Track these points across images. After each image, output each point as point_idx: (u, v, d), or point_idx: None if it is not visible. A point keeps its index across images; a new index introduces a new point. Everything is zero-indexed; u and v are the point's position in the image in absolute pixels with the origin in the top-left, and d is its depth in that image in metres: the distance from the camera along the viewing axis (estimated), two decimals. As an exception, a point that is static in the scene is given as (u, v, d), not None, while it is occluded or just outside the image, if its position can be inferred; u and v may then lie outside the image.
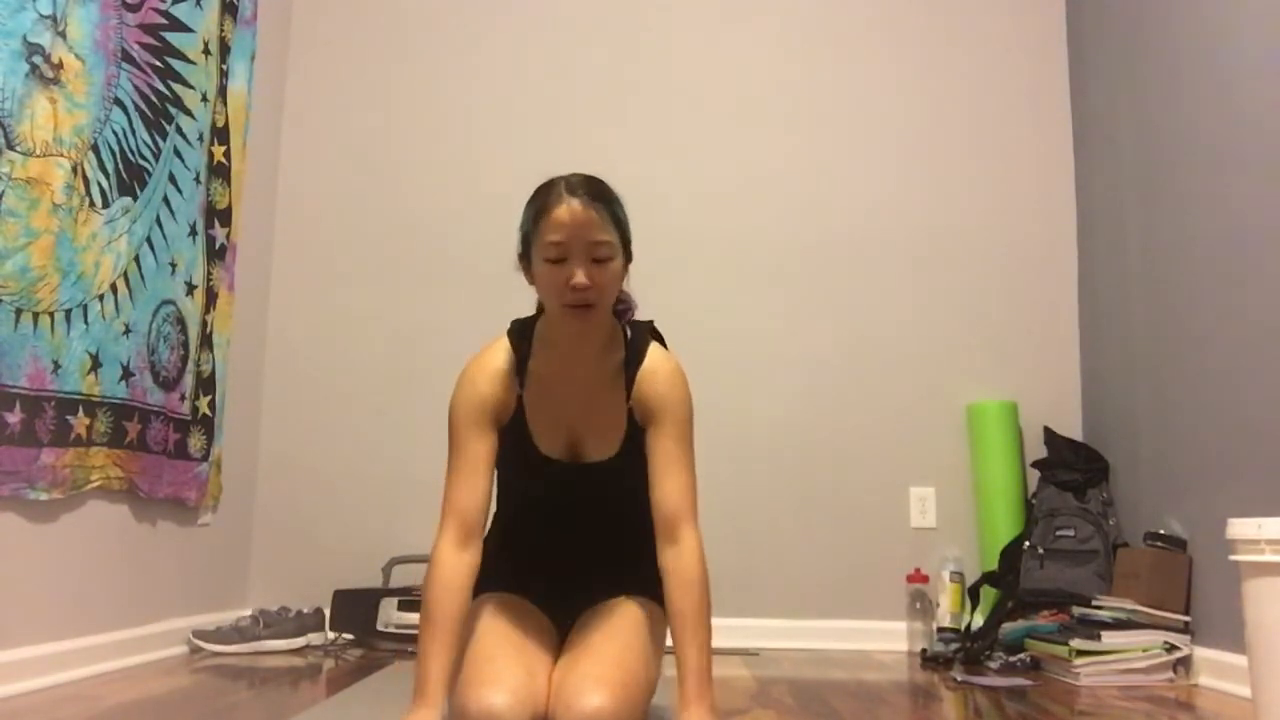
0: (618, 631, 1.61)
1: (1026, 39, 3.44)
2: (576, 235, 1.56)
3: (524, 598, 1.76)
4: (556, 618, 1.76)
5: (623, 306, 1.76)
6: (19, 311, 2.05)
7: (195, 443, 2.79)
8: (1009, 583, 2.89)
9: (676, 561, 1.59)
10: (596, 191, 1.61)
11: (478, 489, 1.63)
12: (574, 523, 1.78)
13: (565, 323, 1.63)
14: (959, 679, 2.49)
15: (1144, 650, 2.46)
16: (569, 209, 1.57)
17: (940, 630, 3.00)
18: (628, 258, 1.67)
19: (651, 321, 1.81)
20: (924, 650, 2.92)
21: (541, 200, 1.61)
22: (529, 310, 1.81)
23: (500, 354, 1.70)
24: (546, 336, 1.70)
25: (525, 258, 1.66)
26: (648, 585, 1.75)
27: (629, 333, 1.74)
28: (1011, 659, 2.65)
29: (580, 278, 1.56)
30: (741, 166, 3.42)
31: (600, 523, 1.78)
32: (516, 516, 1.83)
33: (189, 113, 2.73)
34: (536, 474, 1.71)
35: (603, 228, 1.58)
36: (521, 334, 1.72)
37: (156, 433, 2.58)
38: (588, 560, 1.79)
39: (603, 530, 1.78)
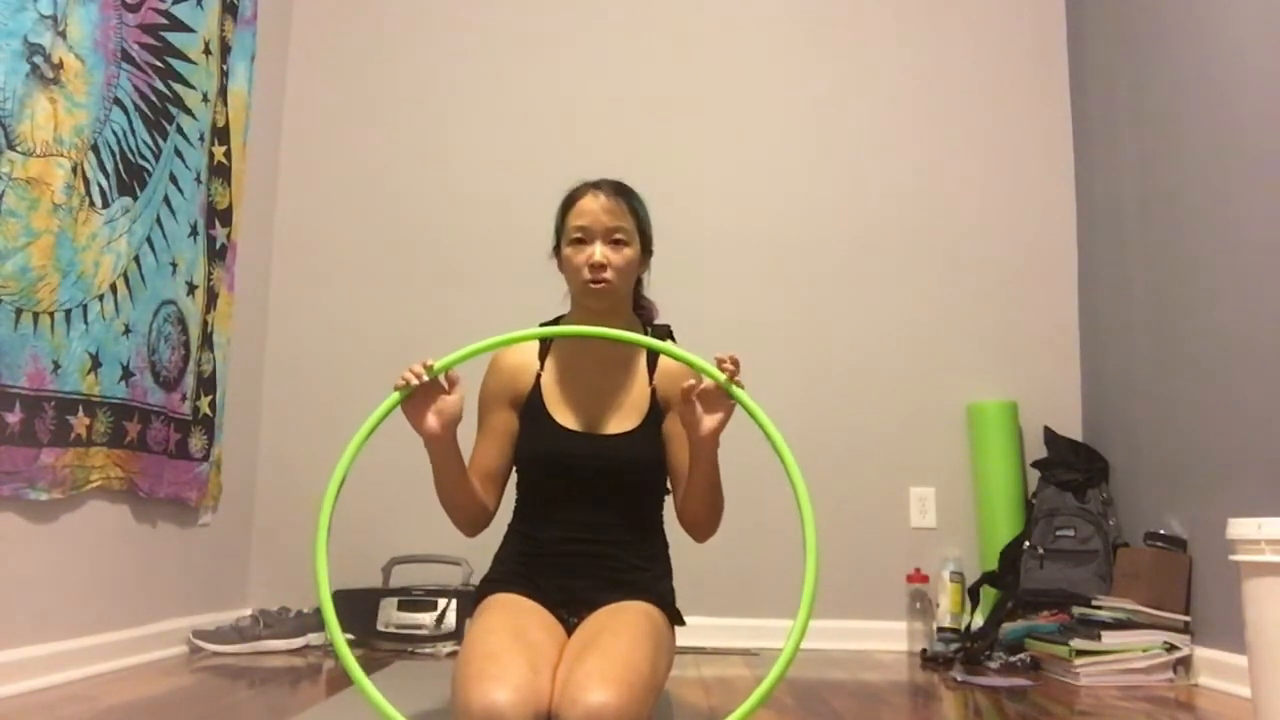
0: (624, 630, 1.62)
1: (1026, 39, 3.44)
2: (598, 220, 1.79)
3: (533, 598, 1.76)
4: (564, 618, 1.77)
5: (644, 310, 1.95)
6: (19, 311, 2.05)
7: (196, 443, 2.79)
8: (1009, 583, 2.89)
9: None
10: (619, 188, 1.85)
11: (491, 451, 1.86)
12: (588, 498, 1.81)
13: (586, 299, 1.82)
14: (959, 679, 2.49)
15: (1144, 650, 2.46)
16: (593, 199, 1.81)
17: (940, 630, 3.00)
18: (647, 253, 1.88)
19: (669, 325, 1.96)
20: (924, 650, 2.92)
21: (571, 194, 1.86)
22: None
23: (524, 343, 1.88)
24: (570, 324, 1.87)
25: (558, 249, 1.87)
26: (656, 588, 1.82)
27: (649, 331, 1.92)
28: (1011, 659, 2.65)
29: (598, 256, 1.77)
30: (740, 168, 3.42)
31: (613, 500, 1.81)
32: (532, 503, 1.87)
33: (190, 113, 2.73)
34: (553, 444, 1.82)
35: (621, 216, 1.81)
36: (548, 324, 1.90)
37: (157, 433, 2.58)
38: (599, 552, 1.80)
39: (616, 511, 1.81)
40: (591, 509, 1.81)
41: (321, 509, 1.52)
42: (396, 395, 1.60)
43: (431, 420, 1.64)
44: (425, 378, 1.60)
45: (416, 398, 1.62)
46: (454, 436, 1.68)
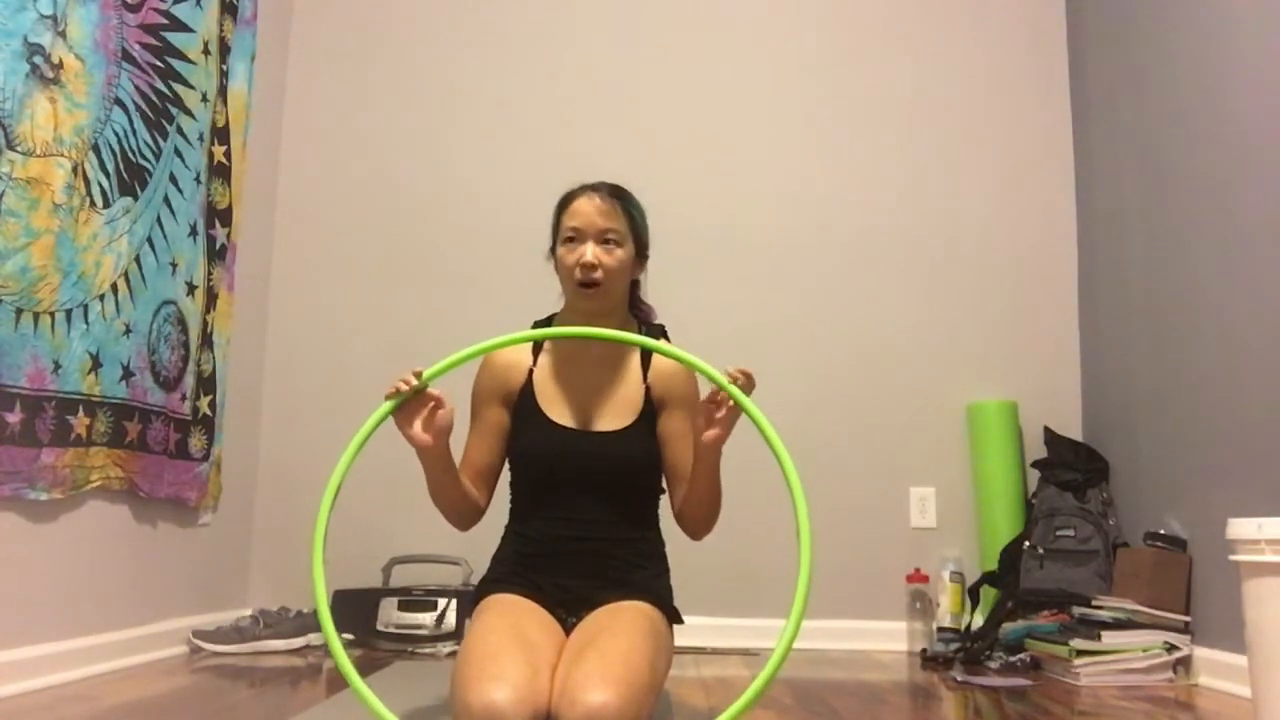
0: (623, 630, 1.62)
1: (1026, 39, 3.44)
2: (591, 221, 1.80)
3: (531, 598, 1.77)
4: (563, 618, 1.77)
5: (642, 313, 1.97)
6: (19, 311, 2.05)
7: (196, 443, 2.79)
8: (1009, 583, 2.89)
9: None
10: (614, 191, 1.86)
11: (483, 447, 1.87)
12: (583, 495, 1.81)
13: (577, 300, 1.83)
14: (959, 679, 2.49)
15: (1144, 650, 2.46)
16: (587, 200, 1.82)
17: (940, 630, 3.00)
18: (642, 256, 1.90)
19: (663, 325, 1.97)
20: (924, 650, 2.92)
21: (566, 196, 1.87)
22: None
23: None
24: (563, 324, 1.88)
25: (554, 250, 1.87)
26: (654, 587, 1.83)
27: (644, 331, 1.92)
28: (1011, 659, 2.65)
29: (589, 256, 1.78)
30: (741, 168, 3.42)
31: (608, 498, 1.82)
32: (528, 502, 1.87)
33: (189, 113, 2.73)
34: (546, 440, 1.82)
35: (614, 218, 1.82)
36: (540, 322, 1.93)
37: (157, 433, 2.58)
38: (596, 550, 1.80)
39: (611, 508, 1.82)
40: (587, 507, 1.81)
41: (317, 522, 1.52)
42: (389, 405, 1.61)
43: (423, 431, 1.64)
44: (415, 384, 1.60)
45: (407, 407, 1.63)
46: (446, 446, 1.69)
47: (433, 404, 1.65)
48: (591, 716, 1.43)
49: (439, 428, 1.65)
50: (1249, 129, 2.35)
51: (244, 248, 3.09)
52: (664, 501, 1.93)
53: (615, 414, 1.84)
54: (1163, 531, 2.65)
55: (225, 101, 2.96)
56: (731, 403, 1.60)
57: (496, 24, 3.53)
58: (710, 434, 1.63)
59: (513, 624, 1.64)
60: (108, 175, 2.36)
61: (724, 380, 1.58)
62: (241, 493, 3.15)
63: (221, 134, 2.93)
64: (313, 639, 2.88)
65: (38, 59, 2.10)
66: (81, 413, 2.26)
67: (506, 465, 1.91)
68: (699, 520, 1.81)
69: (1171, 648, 2.46)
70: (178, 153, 2.69)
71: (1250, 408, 2.31)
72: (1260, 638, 1.61)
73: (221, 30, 2.92)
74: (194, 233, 2.78)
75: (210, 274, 2.88)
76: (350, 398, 3.27)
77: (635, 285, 1.96)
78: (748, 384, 1.60)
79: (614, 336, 1.68)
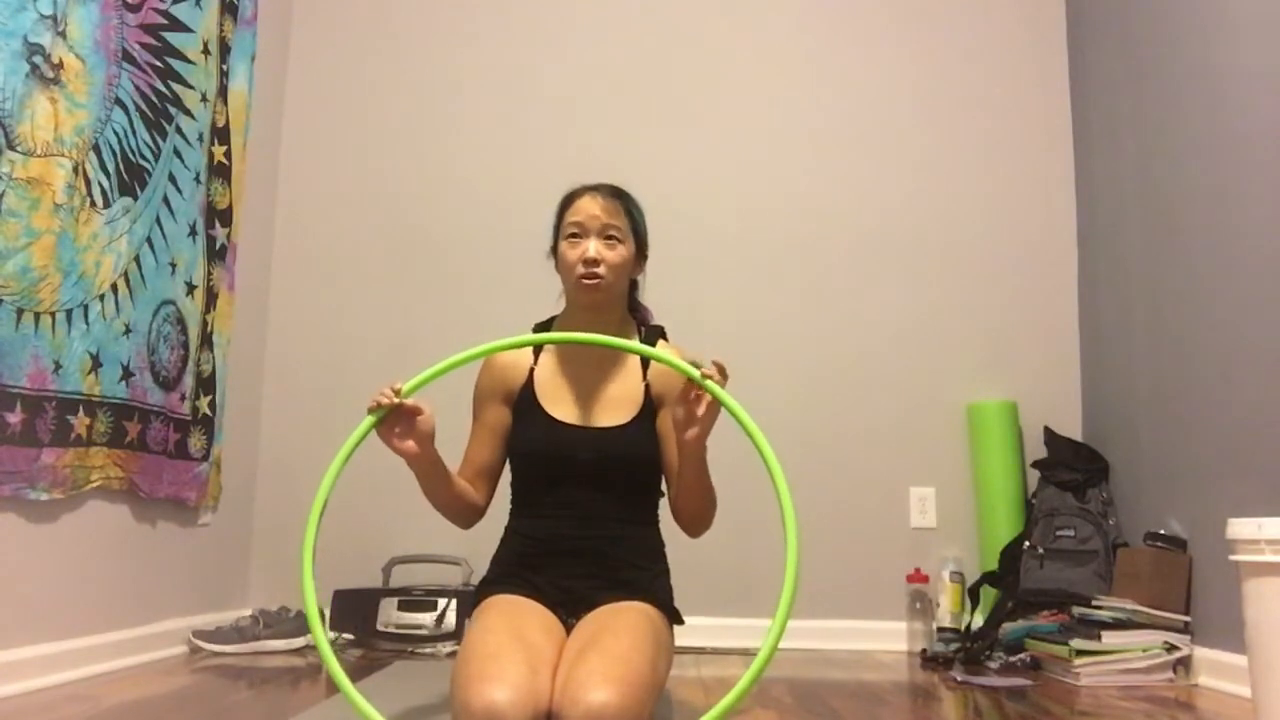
0: (625, 630, 1.62)
1: (1027, 40, 3.44)
2: (593, 218, 1.84)
3: (531, 599, 1.77)
4: (562, 618, 1.77)
5: (640, 314, 1.99)
6: (20, 311, 2.05)
7: (195, 443, 2.79)
8: (1009, 583, 2.89)
9: None
10: (616, 191, 1.90)
11: (485, 447, 1.89)
12: (584, 493, 1.82)
13: (579, 295, 1.85)
14: (959, 679, 2.49)
15: (1144, 650, 2.46)
16: (590, 199, 1.86)
17: (940, 630, 3.00)
18: (642, 256, 1.93)
19: (662, 327, 1.99)
20: (924, 650, 2.92)
21: (569, 195, 1.91)
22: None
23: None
24: (563, 323, 1.91)
25: (555, 249, 1.90)
26: (654, 587, 1.83)
27: (643, 331, 1.96)
28: (1011, 659, 2.65)
29: (592, 252, 1.81)
30: (740, 168, 3.42)
31: (609, 495, 1.82)
32: (528, 501, 1.88)
33: (189, 113, 2.73)
34: (547, 435, 1.84)
35: (616, 215, 1.85)
36: (541, 324, 1.96)
37: (157, 433, 2.58)
38: (596, 548, 1.81)
39: (611, 507, 1.83)
40: (587, 503, 1.82)
41: (305, 540, 1.52)
42: (370, 420, 1.62)
43: (405, 441, 1.66)
44: (395, 400, 1.61)
45: (389, 420, 1.64)
46: (432, 451, 1.70)
47: (413, 413, 1.66)
48: (593, 716, 1.43)
49: (421, 434, 1.67)
50: (1249, 128, 2.35)
51: (244, 248, 3.09)
52: (664, 503, 1.93)
53: (616, 410, 1.85)
54: (1163, 531, 2.65)
55: (225, 101, 2.96)
56: (708, 398, 1.60)
57: (497, 25, 3.52)
58: (691, 432, 1.64)
59: (513, 625, 1.65)
60: (108, 175, 2.36)
61: (698, 376, 1.59)
62: (241, 493, 3.15)
63: (221, 134, 2.93)
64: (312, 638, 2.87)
65: (38, 59, 2.10)
66: (81, 413, 2.26)
67: (507, 464, 1.92)
68: (693, 517, 1.82)
69: (1171, 648, 2.46)
70: (177, 153, 2.68)
71: (1250, 408, 2.31)
72: (1260, 638, 1.61)
73: (221, 30, 2.92)
74: (194, 233, 2.78)
75: (210, 274, 2.88)
76: (350, 398, 3.25)
77: (634, 286, 1.97)
78: (722, 378, 1.61)
79: (588, 340, 1.68)
